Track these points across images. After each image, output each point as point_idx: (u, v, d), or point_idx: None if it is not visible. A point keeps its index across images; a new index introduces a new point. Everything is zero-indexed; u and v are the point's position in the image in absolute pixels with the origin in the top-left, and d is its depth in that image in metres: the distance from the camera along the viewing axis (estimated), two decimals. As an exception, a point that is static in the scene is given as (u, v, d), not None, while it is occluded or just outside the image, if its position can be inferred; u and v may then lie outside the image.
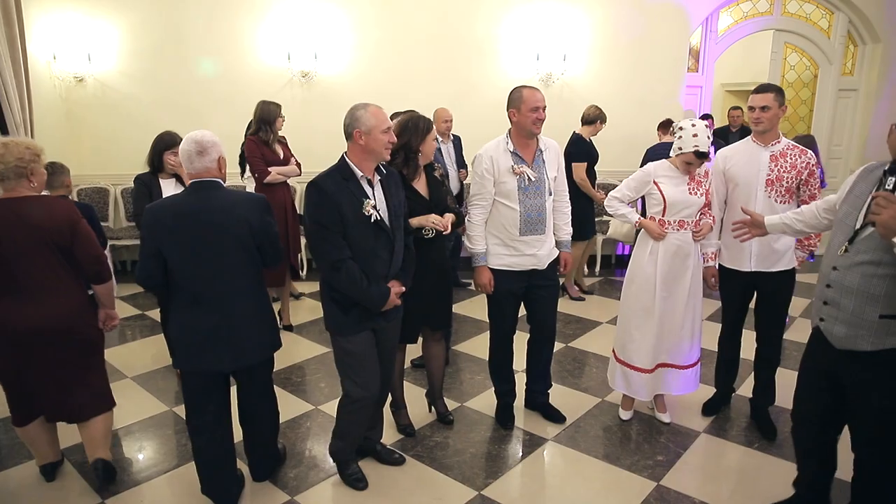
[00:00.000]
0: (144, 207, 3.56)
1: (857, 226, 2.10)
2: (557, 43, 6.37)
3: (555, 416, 3.47)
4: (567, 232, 3.37)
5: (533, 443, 3.29)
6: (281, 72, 6.14)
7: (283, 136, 4.75)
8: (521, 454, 3.20)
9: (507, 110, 3.09)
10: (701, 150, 2.99)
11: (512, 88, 3.11)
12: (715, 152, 5.56)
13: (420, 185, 3.05)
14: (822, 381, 2.32)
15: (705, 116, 6.73)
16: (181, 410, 3.54)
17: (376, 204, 2.55)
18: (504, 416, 3.44)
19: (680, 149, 3.04)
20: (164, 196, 3.57)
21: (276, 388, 3.29)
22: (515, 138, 3.11)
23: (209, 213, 2.46)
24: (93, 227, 3.09)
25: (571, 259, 3.43)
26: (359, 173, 2.54)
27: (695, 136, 3.00)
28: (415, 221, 2.95)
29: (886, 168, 2.02)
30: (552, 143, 3.25)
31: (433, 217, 2.99)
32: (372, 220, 2.53)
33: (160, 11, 5.93)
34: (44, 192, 2.83)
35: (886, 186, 1.97)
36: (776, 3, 7.01)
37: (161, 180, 3.70)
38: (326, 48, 6.16)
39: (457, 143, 5.61)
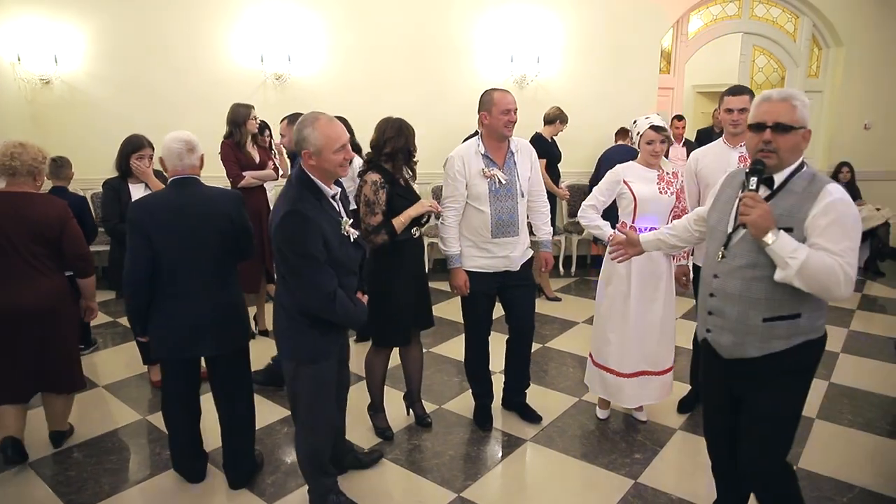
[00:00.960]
0: (113, 213, 3.56)
1: (730, 230, 2.08)
2: (531, 45, 6.41)
3: (531, 417, 3.48)
4: (546, 232, 3.39)
5: (511, 444, 3.30)
6: (254, 74, 6.07)
7: (265, 140, 4.70)
8: (499, 455, 3.21)
9: (479, 113, 3.10)
10: (655, 123, 3.09)
11: (482, 91, 3.13)
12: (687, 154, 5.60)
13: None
14: (720, 396, 2.26)
15: (678, 118, 6.83)
16: (155, 419, 3.48)
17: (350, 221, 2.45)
18: (482, 418, 3.45)
19: (639, 134, 3.13)
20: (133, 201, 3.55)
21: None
22: (487, 141, 3.12)
23: (194, 206, 2.62)
24: (84, 220, 3.59)
25: (552, 258, 3.44)
26: (328, 191, 2.36)
27: (647, 118, 3.14)
28: (412, 212, 2.99)
29: (747, 170, 2.02)
30: (523, 143, 3.25)
31: (427, 201, 3.07)
32: (352, 240, 2.43)
33: (129, 13, 5.81)
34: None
35: (750, 187, 1.97)
36: (744, 6, 7.16)
37: (130, 185, 3.63)
38: (300, 50, 6.11)
39: None
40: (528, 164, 3.23)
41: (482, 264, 3.19)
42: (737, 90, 3.19)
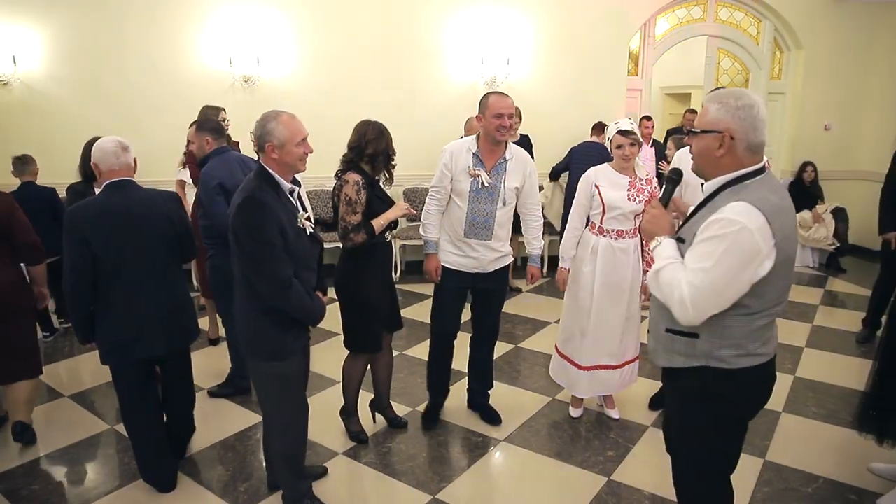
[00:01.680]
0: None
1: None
2: (501, 47, 6.44)
3: (492, 418, 3.50)
4: (535, 246, 3.36)
5: (485, 444, 3.31)
6: (222, 76, 5.97)
7: (236, 141, 4.62)
8: (474, 456, 3.21)
9: (476, 115, 3.13)
10: (622, 127, 3.15)
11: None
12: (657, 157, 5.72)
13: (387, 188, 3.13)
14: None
15: (646, 118, 6.94)
16: (123, 428, 3.41)
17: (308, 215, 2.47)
18: (429, 418, 3.47)
19: (609, 140, 3.22)
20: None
21: (221, 400, 3.50)
22: (482, 142, 3.13)
23: (133, 209, 2.63)
24: (56, 208, 3.85)
25: (537, 273, 3.41)
26: (286, 185, 2.40)
27: (616, 123, 3.21)
28: (390, 214, 2.99)
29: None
30: (521, 154, 3.21)
31: (403, 204, 3.09)
32: (308, 233, 2.46)
33: (91, 13, 5.65)
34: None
35: (659, 195, 1.97)
36: (709, 10, 7.30)
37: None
38: (269, 53, 6.03)
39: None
40: (521, 176, 3.20)
41: (453, 261, 3.23)
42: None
